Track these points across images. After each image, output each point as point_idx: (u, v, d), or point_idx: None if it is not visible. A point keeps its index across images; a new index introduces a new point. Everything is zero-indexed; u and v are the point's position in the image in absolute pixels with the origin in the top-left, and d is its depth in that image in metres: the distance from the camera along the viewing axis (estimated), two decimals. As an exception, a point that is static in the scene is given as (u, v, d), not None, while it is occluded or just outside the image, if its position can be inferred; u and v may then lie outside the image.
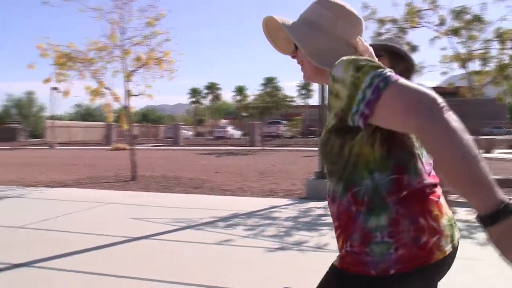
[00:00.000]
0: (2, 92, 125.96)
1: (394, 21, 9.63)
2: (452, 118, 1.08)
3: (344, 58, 1.27)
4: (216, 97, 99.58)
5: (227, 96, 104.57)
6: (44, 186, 10.61)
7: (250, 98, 42.87)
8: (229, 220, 6.30)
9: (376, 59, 1.32)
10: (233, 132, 50.93)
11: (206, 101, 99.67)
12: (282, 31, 1.51)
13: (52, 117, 47.37)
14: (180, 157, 22.38)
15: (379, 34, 9.50)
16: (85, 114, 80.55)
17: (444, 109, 1.08)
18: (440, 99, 1.10)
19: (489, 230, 1.04)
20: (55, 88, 42.77)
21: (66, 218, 6.66)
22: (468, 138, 1.07)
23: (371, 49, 1.48)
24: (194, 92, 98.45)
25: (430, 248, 1.22)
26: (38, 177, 12.96)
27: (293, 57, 1.53)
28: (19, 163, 19.69)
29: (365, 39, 1.49)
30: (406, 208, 1.24)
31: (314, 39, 1.42)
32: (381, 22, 9.59)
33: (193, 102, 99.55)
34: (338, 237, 1.37)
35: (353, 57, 1.26)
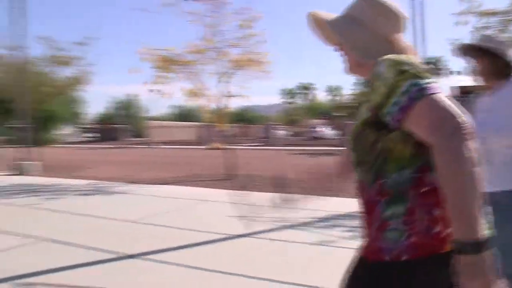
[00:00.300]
0: (107, 95, 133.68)
1: (496, 13, 9.09)
2: (469, 148, 1.12)
3: (390, 57, 1.32)
4: (310, 97, 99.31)
5: (320, 95, 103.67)
6: (146, 184, 11.13)
7: (345, 97, 42.21)
8: (328, 221, 6.25)
9: (418, 61, 1.33)
10: (327, 132, 50.51)
11: (300, 101, 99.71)
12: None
13: (153, 118, 49.48)
14: (274, 157, 22.56)
15: (480, 29, 9.02)
16: (183, 115, 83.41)
17: (465, 136, 1.13)
18: (466, 125, 1.14)
19: (462, 257, 1.12)
20: (153, 91, 44.87)
21: (169, 214, 6.96)
22: (474, 171, 1.11)
23: (411, 46, 1.52)
24: (288, 92, 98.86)
25: (442, 238, 1.26)
26: (141, 174, 13.63)
27: (339, 49, 1.58)
28: (123, 161, 20.81)
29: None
30: (423, 200, 1.29)
31: (355, 34, 1.49)
32: (483, 14, 9.09)
33: (287, 102, 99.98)
34: (363, 226, 1.42)
35: (399, 58, 1.30)
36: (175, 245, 4.95)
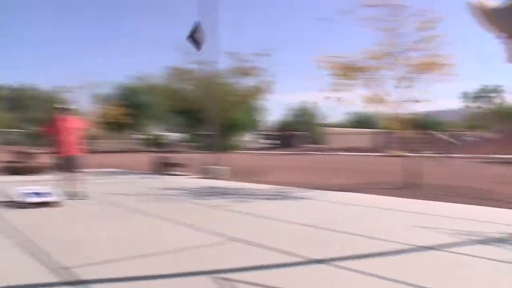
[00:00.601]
0: (284, 103, 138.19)
1: None
2: None
3: None
4: (499, 100, 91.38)
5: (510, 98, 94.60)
6: (327, 190, 11.30)
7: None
8: (523, 237, 5.76)
9: None
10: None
11: (486, 105, 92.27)
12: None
13: (330, 125, 49.94)
14: (457, 165, 21.27)
15: None
16: (359, 122, 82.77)
17: None
18: None
19: None
20: (329, 98, 45.31)
21: (350, 221, 6.99)
22: None
23: None
24: (472, 95, 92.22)
25: None
26: (321, 180, 13.88)
27: (505, 39, 1.52)
28: (302, 167, 21.38)
29: None
30: None
31: None
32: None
33: (471, 107, 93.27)
34: None
35: None
36: (359, 252, 4.98)
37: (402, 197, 9.82)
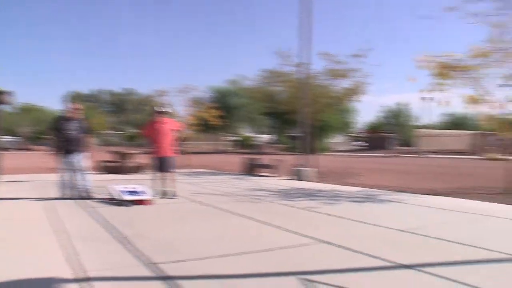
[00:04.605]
0: (380, 104, 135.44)
1: None
2: None
3: None
4: None
5: None
6: (419, 193, 10.93)
7: None
8: None
9: None
10: None
11: None
12: None
13: (422, 126, 48.26)
14: None
15: None
16: (454, 123, 79.32)
17: None
18: None
19: None
20: (428, 98, 44.12)
21: (445, 227, 6.70)
22: None
23: None
24: None
25: None
26: (411, 184, 13.47)
27: None
28: (392, 169, 20.85)
29: None
30: None
31: None
32: None
33: None
34: None
35: None
36: (450, 259, 4.76)
37: (501, 203, 9.28)
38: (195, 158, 27.19)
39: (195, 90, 25.39)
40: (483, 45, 10.80)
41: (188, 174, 17.54)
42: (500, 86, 10.95)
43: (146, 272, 4.28)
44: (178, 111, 24.49)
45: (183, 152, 25.10)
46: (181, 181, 13.17)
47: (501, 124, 11.46)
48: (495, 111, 11.38)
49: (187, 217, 7.67)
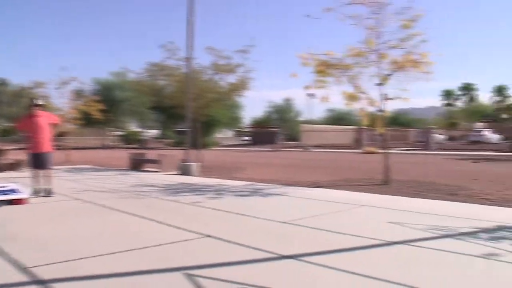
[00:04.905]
0: (264, 99, 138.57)
1: None
2: None
3: None
4: (472, 99, 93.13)
5: (484, 97, 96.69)
6: (302, 186, 11.30)
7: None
8: (493, 232, 5.78)
9: None
10: (491, 136, 46.95)
11: (460, 103, 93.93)
12: None
13: (307, 122, 50.15)
14: (432, 162, 21.54)
15: None
16: (337, 119, 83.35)
17: None
18: None
19: None
20: (311, 95, 45.90)
21: (324, 217, 6.98)
22: None
23: None
24: (447, 94, 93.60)
25: None
26: (296, 177, 13.89)
27: None
28: (278, 164, 21.39)
29: None
30: None
31: None
32: None
33: (446, 105, 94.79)
34: None
35: None
36: (330, 248, 4.96)
37: (377, 193, 9.86)
38: (77, 154, 26.03)
39: (76, 81, 24.07)
40: (360, 46, 11.42)
41: (70, 170, 16.71)
42: (377, 85, 11.63)
43: (18, 278, 3.97)
44: (58, 104, 23.20)
45: (64, 148, 23.96)
46: (61, 178, 12.53)
47: (375, 120, 12.19)
48: (370, 108, 12.10)
49: (65, 215, 7.29)
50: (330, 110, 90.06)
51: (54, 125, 10.10)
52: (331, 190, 10.64)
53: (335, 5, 10.92)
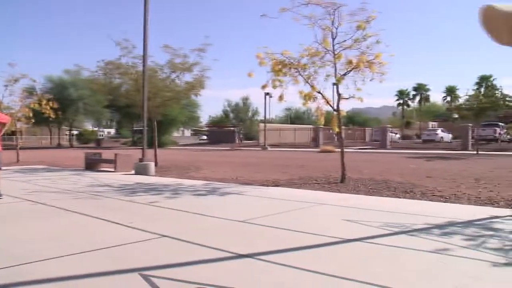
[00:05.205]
0: (223, 98, 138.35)
1: None
2: None
3: None
4: (425, 99, 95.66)
5: (437, 97, 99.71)
6: (260, 185, 11.33)
7: (462, 99, 39.69)
8: (445, 228, 5.95)
9: None
10: (443, 135, 48.37)
11: (414, 103, 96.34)
12: (506, 21, 1.43)
13: (264, 121, 50.33)
14: (388, 160, 21.98)
15: None
16: (295, 118, 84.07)
17: None
18: None
19: None
20: (268, 94, 46.12)
21: (282, 216, 7.01)
22: None
23: None
24: (401, 94, 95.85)
25: None
26: (253, 176, 13.91)
27: None
28: (236, 162, 21.38)
29: None
30: None
31: None
32: None
33: (400, 104, 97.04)
34: None
35: None
36: (288, 246, 4.97)
37: (333, 192, 9.99)
38: (30, 154, 25.30)
39: (26, 78, 23.31)
40: (315, 46, 11.52)
41: (21, 171, 16.20)
42: (333, 84, 11.77)
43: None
44: (7, 102, 22.44)
45: (14, 147, 23.26)
46: (11, 179, 12.15)
47: (332, 119, 12.36)
48: (326, 107, 12.26)
49: (16, 217, 7.06)
50: (288, 109, 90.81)
51: (3, 124, 9.78)
52: (289, 188, 10.71)
53: (291, 5, 10.98)
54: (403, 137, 60.05)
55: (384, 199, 8.89)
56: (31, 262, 4.37)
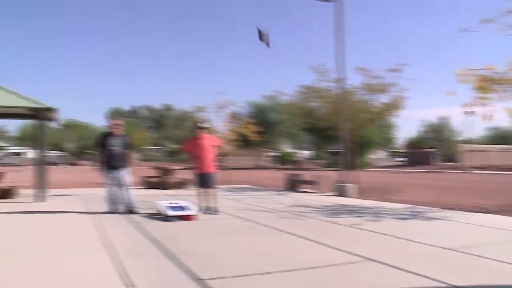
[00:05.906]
0: (419, 118, 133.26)
1: None
2: None
3: None
4: None
5: None
6: (465, 211, 10.64)
7: None
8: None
9: None
10: None
11: None
12: None
13: (466, 141, 47.23)
14: None
15: None
16: (500, 137, 77.15)
17: None
18: None
19: None
20: (470, 113, 43.23)
21: (496, 246, 6.46)
22: None
23: None
24: None
25: None
26: (458, 200, 13.15)
27: None
28: (436, 185, 20.42)
29: None
30: None
31: None
32: None
33: None
34: None
35: None
36: (503, 283, 4.59)
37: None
38: (236, 174, 27.28)
39: (233, 105, 25.53)
40: None
41: (230, 190, 17.60)
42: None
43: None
44: (217, 127, 24.70)
45: (224, 168, 25.29)
46: (223, 197, 13.23)
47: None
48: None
49: (230, 232, 7.68)
50: (491, 129, 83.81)
51: (217, 147, 10.78)
52: (502, 216, 9.84)
53: (494, 15, 10.18)
54: None
55: None
56: (248, 275, 4.73)
